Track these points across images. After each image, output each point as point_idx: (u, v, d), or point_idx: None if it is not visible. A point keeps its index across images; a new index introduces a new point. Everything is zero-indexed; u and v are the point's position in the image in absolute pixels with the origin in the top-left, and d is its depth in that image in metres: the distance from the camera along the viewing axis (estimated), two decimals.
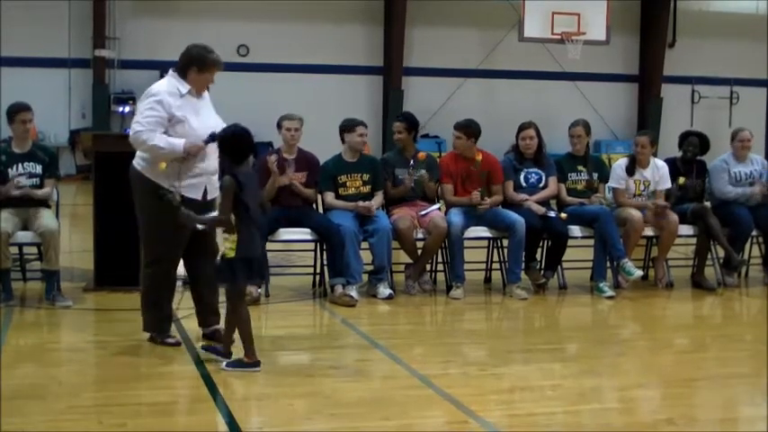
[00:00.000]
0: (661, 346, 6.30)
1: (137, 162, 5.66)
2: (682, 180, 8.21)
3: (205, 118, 5.68)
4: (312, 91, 19.93)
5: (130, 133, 5.59)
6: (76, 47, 19.54)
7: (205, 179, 5.62)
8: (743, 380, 5.33)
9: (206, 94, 5.88)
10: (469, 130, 7.69)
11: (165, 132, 5.50)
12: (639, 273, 7.70)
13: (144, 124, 5.49)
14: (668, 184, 8.08)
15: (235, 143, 5.30)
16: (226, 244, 5.19)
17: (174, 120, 5.52)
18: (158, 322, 5.74)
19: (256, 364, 5.18)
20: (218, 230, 5.82)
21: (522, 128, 7.95)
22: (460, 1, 21.03)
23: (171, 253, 5.67)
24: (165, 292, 5.75)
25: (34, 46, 19.07)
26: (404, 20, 20.91)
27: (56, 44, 19.38)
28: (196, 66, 5.66)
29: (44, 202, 7.13)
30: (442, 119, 19.27)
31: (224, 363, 5.21)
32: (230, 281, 5.22)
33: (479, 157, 7.72)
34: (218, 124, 5.66)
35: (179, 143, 5.47)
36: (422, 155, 7.79)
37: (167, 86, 5.63)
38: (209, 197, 5.66)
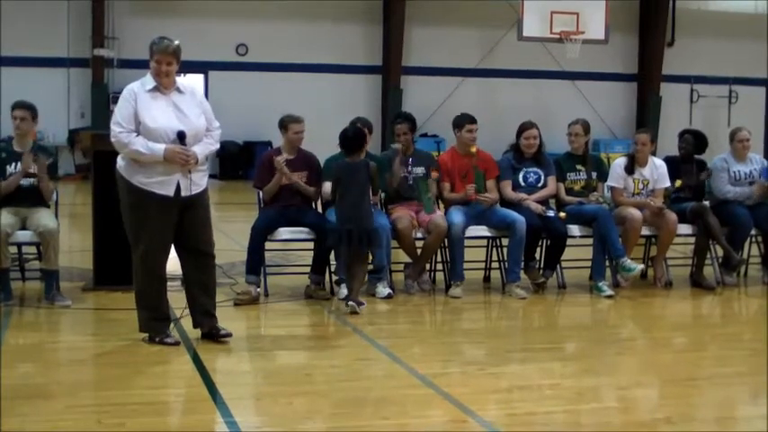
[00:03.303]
0: (660, 346, 6.31)
1: (118, 161, 5.71)
2: (678, 182, 8.21)
3: (169, 116, 5.59)
4: (311, 90, 19.92)
5: (111, 134, 5.61)
6: (75, 46, 19.52)
7: (177, 176, 5.58)
8: (742, 379, 5.34)
9: (192, 90, 5.81)
10: (476, 121, 7.79)
11: (137, 128, 5.53)
12: (640, 266, 7.69)
13: (122, 124, 5.54)
14: (667, 183, 8.07)
15: (345, 140, 6.93)
16: None
17: (136, 115, 5.54)
18: (152, 322, 5.73)
19: (361, 303, 6.77)
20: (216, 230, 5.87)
21: (525, 128, 7.93)
22: (459, 0, 21.02)
23: (154, 251, 5.67)
24: (155, 291, 5.74)
25: (33, 45, 19.04)
26: (403, 19, 20.90)
27: (55, 43, 19.35)
28: (149, 55, 5.65)
29: (43, 202, 7.13)
30: (441, 118, 19.24)
31: (347, 299, 6.75)
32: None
33: (474, 149, 7.74)
34: (190, 124, 5.62)
35: (159, 148, 5.48)
36: (435, 174, 7.74)
37: (138, 82, 5.68)
38: (183, 194, 5.60)
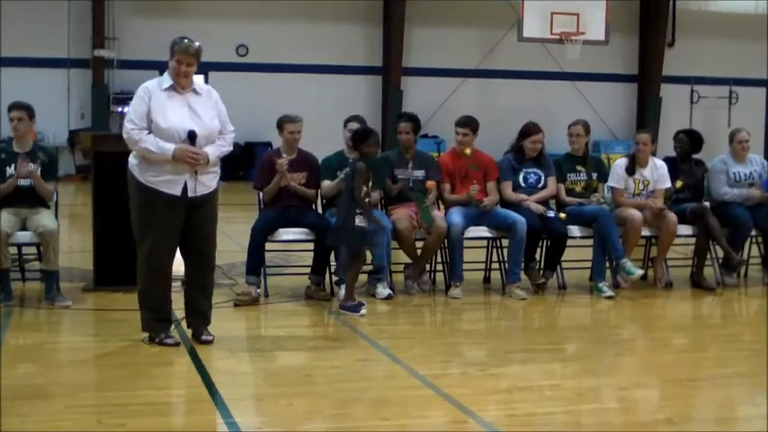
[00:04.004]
0: (660, 346, 6.31)
1: (129, 159, 5.71)
2: (679, 183, 8.21)
3: (182, 116, 5.59)
4: (311, 91, 19.92)
5: (123, 131, 5.64)
6: (75, 47, 19.52)
7: (185, 176, 5.57)
8: (742, 379, 5.34)
9: (208, 91, 5.80)
10: (475, 125, 7.79)
11: (150, 127, 5.53)
12: (640, 272, 7.70)
13: (135, 121, 5.55)
14: (667, 184, 8.08)
15: (353, 137, 7.06)
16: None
17: (149, 113, 5.54)
18: (154, 323, 5.73)
19: (360, 305, 6.74)
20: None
21: (532, 132, 7.87)
22: (459, 1, 21.02)
23: (160, 250, 5.66)
24: (158, 291, 5.72)
25: (33, 46, 19.05)
26: (403, 20, 20.90)
27: (55, 44, 19.36)
28: (169, 54, 5.66)
29: (43, 203, 7.13)
30: (442, 119, 19.26)
31: (340, 305, 6.79)
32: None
33: (468, 151, 7.74)
34: (203, 125, 5.61)
35: (169, 148, 5.48)
36: (430, 184, 7.70)
37: (156, 80, 5.69)
38: (190, 194, 5.59)
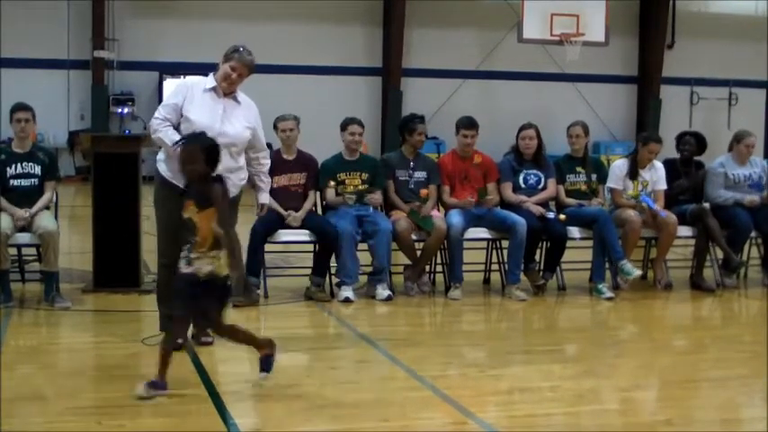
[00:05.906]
0: (660, 348, 6.31)
1: (158, 155, 5.77)
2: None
3: (213, 116, 5.60)
4: (311, 92, 19.90)
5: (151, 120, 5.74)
6: (75, 48, 19.51)
7: None
8: (741, 381, 5.33)
9: (249, 105, 5.84)
10: (477, 126, 7.80)
11: (178, 125, 5.57)
12: (638, 272, 7.70)
13: (161, 112, 5.64)
14: (664, 186, 8.08)
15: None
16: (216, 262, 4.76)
17: (182, 110, 5.60)
18: (168, 320, 5.71)
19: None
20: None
21: (523, 128, 7.96)
22: (459, 2, 21.03)
23: (172, 246, 5.65)
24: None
25: (33, 47, 19.05)
26: (403, 21, 20.90)
27: (55, 45, 19.34)
28: (223, 59, 5.72)
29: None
30: (441, 120, 19.24)
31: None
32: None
33: (479, 159, 7.77)
34: (233, 130, 5.64)
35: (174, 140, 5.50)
36: (424, 192, 7.69)
37: (200, 78, 5.77)
38: None
